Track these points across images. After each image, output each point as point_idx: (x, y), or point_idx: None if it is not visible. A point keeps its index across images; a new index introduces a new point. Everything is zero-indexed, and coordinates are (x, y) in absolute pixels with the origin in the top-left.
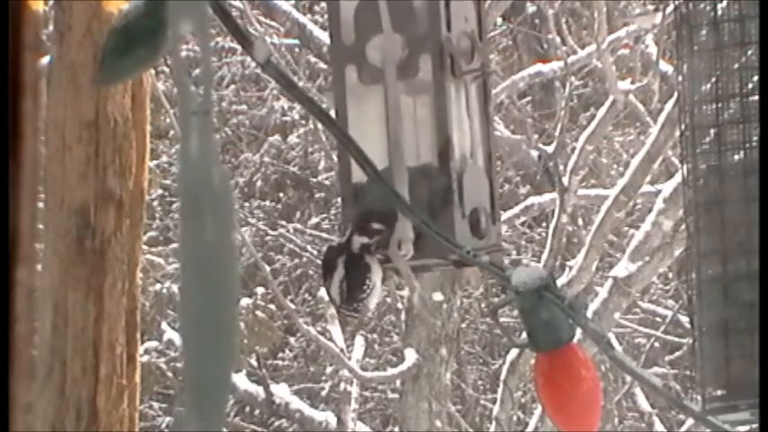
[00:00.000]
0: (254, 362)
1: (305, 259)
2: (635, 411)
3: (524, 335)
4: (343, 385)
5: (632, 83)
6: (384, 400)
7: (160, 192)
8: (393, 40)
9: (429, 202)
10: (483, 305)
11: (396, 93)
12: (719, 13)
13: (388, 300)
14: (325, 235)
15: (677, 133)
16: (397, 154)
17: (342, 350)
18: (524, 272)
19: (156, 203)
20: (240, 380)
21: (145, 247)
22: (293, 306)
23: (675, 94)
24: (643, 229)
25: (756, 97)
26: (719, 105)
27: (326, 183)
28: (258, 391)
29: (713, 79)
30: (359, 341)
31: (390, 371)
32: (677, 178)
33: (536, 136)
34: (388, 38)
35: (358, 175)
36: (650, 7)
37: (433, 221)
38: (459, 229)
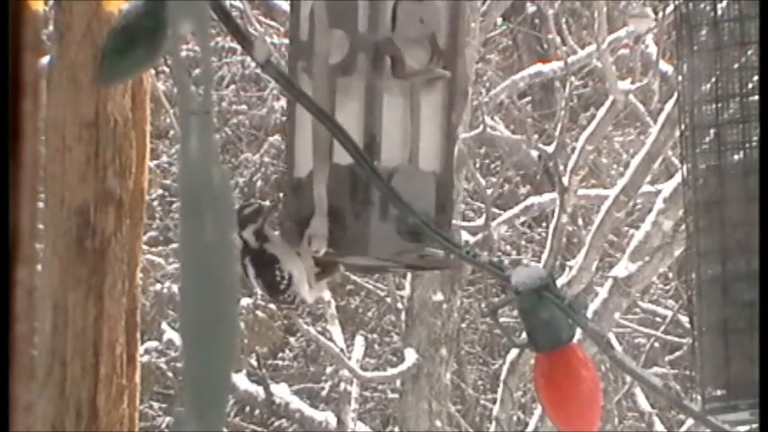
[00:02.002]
0: (254, 362)
1: None
2: (635, 411)
3: (524, 335)
4: (343, 385)
5: (632, 83)
6: (384, 400)
7: (160, 192)
8: (327, 36)
9: (351, 201)
10: (483, 305)
11: (323, 89)
12: (719, 13)
13: (388, 300)
14: None
15: (677, 133)
16: (318, 150)
17: (342, 350)
18: (524, 272)
19: (156, 203)
20: (240, 380)
21: (145, 247)
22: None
23: (675, 94)
24: (643, 229)
25: (756, 97)
26: (719, 105)
27: None
28: (258, 391)
29: (713, 79)
30: (359, 341)
31: (390, 371)
32: (677, 178)
33: (536, 136)
34: (322, 34)
35: (300, 169)
36: (645, 8)
37: (354, 220)
38: (377, 230)
